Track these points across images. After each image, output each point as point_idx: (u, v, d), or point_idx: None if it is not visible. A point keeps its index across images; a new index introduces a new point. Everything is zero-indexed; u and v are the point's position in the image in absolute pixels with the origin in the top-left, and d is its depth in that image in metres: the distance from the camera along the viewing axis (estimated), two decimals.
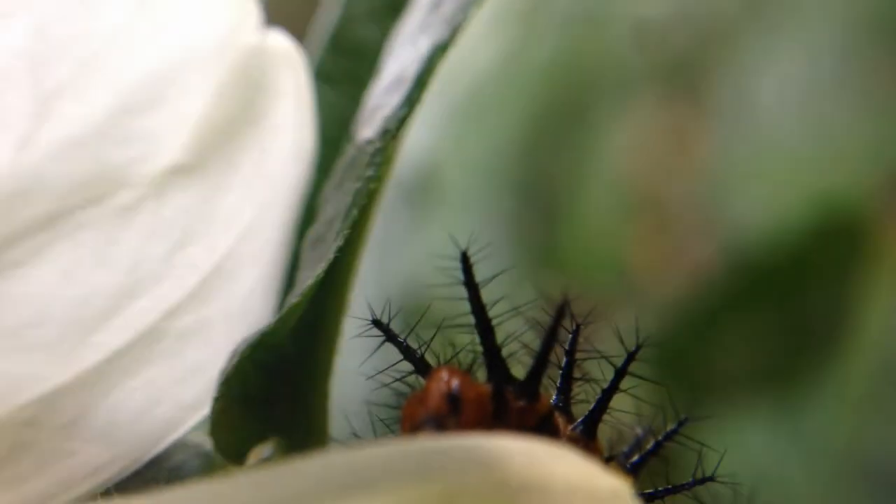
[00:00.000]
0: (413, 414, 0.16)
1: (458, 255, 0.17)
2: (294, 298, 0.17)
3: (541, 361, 0.16)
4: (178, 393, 0.17)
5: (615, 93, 0.48)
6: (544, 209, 0.47)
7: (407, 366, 0.17)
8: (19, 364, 0.16)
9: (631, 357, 0.17)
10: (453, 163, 0.46)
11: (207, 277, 0.17)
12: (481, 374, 0.17)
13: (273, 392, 0.18)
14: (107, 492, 0.16)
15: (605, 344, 0.17)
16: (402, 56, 0.19)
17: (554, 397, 0.17)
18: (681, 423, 0.17)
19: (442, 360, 0.17)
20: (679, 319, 0.42)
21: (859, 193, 0.43)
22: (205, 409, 0.17)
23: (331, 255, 0.18)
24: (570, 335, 0.17)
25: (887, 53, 0.45)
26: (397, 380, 0.17)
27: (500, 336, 0.17)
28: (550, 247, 0.46)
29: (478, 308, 0.17)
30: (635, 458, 0.17)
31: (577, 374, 0.17)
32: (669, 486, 0.17)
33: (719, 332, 0.42)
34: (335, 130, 0.20)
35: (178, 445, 0.17)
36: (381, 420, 0.17)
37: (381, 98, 0.19)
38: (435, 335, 0.17)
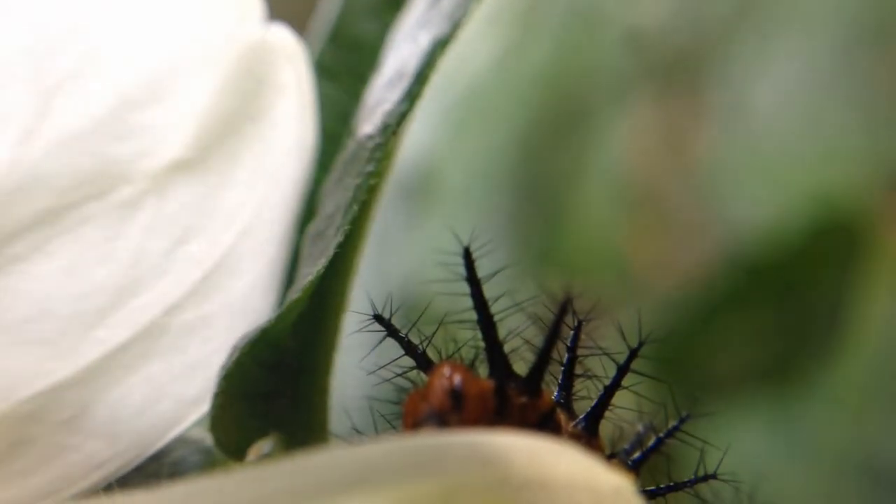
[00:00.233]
0: (415, 410, 0.16)
1: (458, 250, 0.17)
2: (294, 294, 0.17)
3: (543, 358, 0.16)
4: (179, 389, 0.17)
5: (614, 91, 0.48)
6: (543, 207, 0.47)
7: (408, 361, 0.17)
8: (21, 359, 0.16)
9: (633, 354, 0.17)
10: (453, 159, 0.46)
11: (209, 273, 0.17)
12: (483, 370, 0.16)
13: (273, 388, 0.18)
14: (108, 487, 0.16)
15: (606, 341, 0.17)
16: (402, 51, 0.19)
17: (556, 394, 0.17)
18: (682, 421, 0.17)
19: (444, 356, 0.17)
20: (678, 317, 0.42)
21: (857, 192, 0.43)
22: (205, 405, 0.17)
23: (331, 251, 0.17)
24: (573, 332, 0.17)
25: (884, 53, 0.45)
26: (398, 375, 0.17)
27: (502, 332, 0.17)
28: (549, 244, 0.46)
29: (480, 304, 0.17)
30: (637, 455, 0.17)
31: (578, 371, 0.17)
32: (671, 484, 0.17)
33: (717, 330, 0.42)
34: (335, 125, 0.20)
35: (179, 441, 0.17)
36: (382, 416, 0.17)
37: (382, 93, 0.19)
38: (436, 331, 0.17)
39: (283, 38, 0.18)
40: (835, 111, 0.45)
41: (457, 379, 0.16)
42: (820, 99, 0.45)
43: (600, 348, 0.17)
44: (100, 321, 0.16)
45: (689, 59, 0.47)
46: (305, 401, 0.18)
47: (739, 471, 0.17)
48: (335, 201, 0.18)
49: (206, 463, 0.18)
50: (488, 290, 0.17)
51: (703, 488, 0.17)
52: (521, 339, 0.17)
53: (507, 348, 0.17)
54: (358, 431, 0.17)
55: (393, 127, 0.18)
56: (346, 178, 0.18)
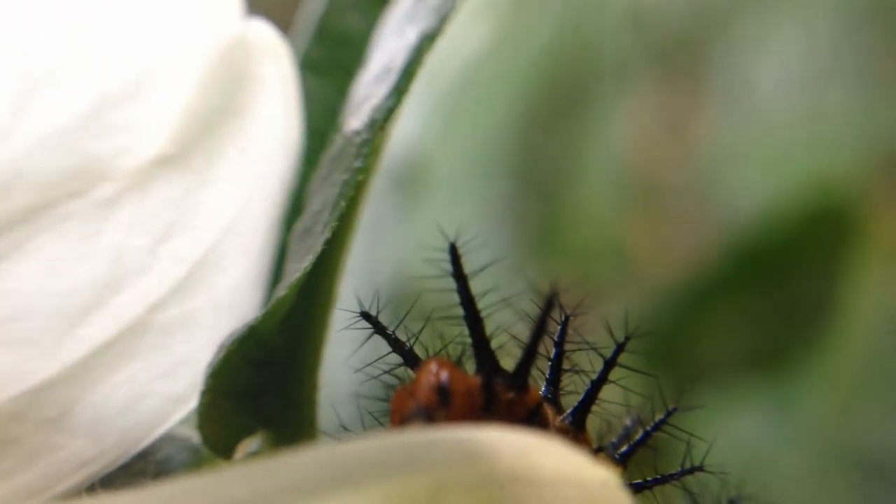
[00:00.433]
0: (402, 406, 0.16)
1: (447, 246, 0.17)
2: (282, 291, 0.17)
3: (530, 353, 0.16)
4: (165, 387, 0.17)
5: (610, 77, 0.48)
6: (538, 196, 0.47)
7: (395, 358, 0.17)
8: (3, 358, 0.16)
9: (620, 348, 0.17)
10: (442, 152, 0.45)
11: (192, 270, 0.17)
12: (470, 366, 0.16)
13: (261, 385, 0.18)
14: (91, 487, 0.16)
15: (594, 335, 0.17)
16: (389, 46, 0.19)
17: (543, 389, 0.17)
18: (669, 413, 0.17)
19: (431, 352, 0.17)
20: (673, 305, 0.42)
21: (853, 178, 0.43)
22: (192, 403, 0.17)
23: (318, 248, 0.17)
24: (560, 326, 0.17)
25: (883, 39, 0.45)
26: (386, 372, 0.17)
27: (489, 327, 0.17)
28: (545, 233, 0.46)
29: (466, 300, 0.16)
30: (624, 448, 0.17)
31: (566, 366, 0.17)
32: (658, 476, 0.17)
33: (711, 317, 0.42)
34: (322, 121, 0.20)
35: (166, 439, 0.17)
36: (370, 412, 0.17)
37: (369, 88, 0.19)
38: (424, 327, 0.17)
39: (264, 34, 0.17)
40: (833, 98, 0.45)
41: (444, 375, 0.16)
42: (818, 86, 0.45)
43: (587, 343, 0.17)
44: (82, 319, 0.16)
45: (688, 42, 0.47)
46: (293, 398, 0.18)
47: (730, 461, 0.17)
48: (322, 197, 0.18)
49: (194, 461, 0.18)
50: (477, 285, 0.17)
51: (689, 480, 0.17)
52: (508, 335, 0.17)
53: (494, 344, 0.17)
54: (346, 428, 0.17)
55: (380, 122, 0.18)
56: (333, 174, 0.18)
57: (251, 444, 0.18)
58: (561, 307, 0.16)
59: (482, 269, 0.17)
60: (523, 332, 0.16)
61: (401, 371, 0.17)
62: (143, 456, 0.17)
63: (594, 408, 0.17)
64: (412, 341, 0.17)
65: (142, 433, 0.17)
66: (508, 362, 0.17)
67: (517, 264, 0.42)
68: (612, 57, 0.47)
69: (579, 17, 0.48)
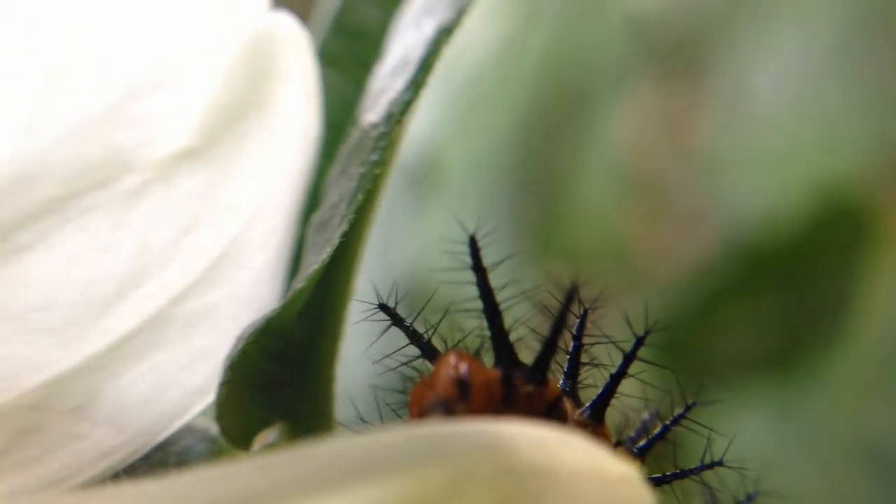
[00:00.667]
0: (421, 399, 0.16)
1: (463, 239, 0.17)
2: (299, 283, 0.17)
3: (549, 346, 0.16)
4: (185, 378, 0.17)
5: (615, 78, 0.48)
6: (544, 194, 0.47)
7: (413, 350, 0.17)
8: (27, 348, 0.16)
9: (640, 342, 0.17)
10: (456, 148, 0.46)
11: (214, 262, 0.17)
12: (489, 359, 0.16)
13: (279, 377, 0.18)
14: (116, 475, 0.16)
15: (611, 329, 0.17)
16: (406, 39, 0.19)
17: (562, 382, 0.17)
18: (688, 408, 0.17)
19: (449, 345, 0.17)
20: (680, 304, 0.42)
21: (859, 178, 0.43)
22: (211, 395, 0.17)
23: (336, 240, 0.17)
24: (578, 320, 0.17)
25: (885, 38, 0.45)
26: (403, 364, 0.17)
27: (507, 321, 0.17)
28: (550, 232, 0.46)
29: (486, 292, 0.16)
30: (643, 442, 0.17)
31: (584, 359, 0.17)
32: (677, 471, 0.17)
33: (720, 318, 0.42)
34: (339, 114, 0.20)
35: (185, 430, 0.17)
36: (388, 405, 0.17)
37: (386, 82, 0.19)
38: (442, 319, 0.17)
39: (288, 27, 0.17)
40: (836, 96, 0.45)
41: (463, 368, 0.16)
42: (821, 84, 0.45)
43: (606, 336, 0.17)
44: (105, 310, 0.16)
45: (689, 44, 0.47)
46: (311, 390, 0.18)
47: (743, 458, 0.17)
48: (339, 190, 0.18)
49: (212, 452, 0.18)
50: (493, 279, 0.17)
51: (709, 475, 0.17)
52: (526, 328, 0.17)
53: (512, 337, 0.17)
54: (363, 420, 0.17)
55: (397, 115, 0.18)
56: (350, 168, 0.18)
57: (269, 435, 0.18)
58: (580, 301, 0.16)
59: (500, 263, 0.17)
60: (541, 325, 0.16)
61: (419, 363, 0.17)
62: (163, 447, 0.17)
63: (613, 402, 0.17)
64: (430, 333, 0.17)
65: (163, 424, 0.17)
66: (527, 356, 0.16)
67: (526, 261, 0.42)
68: (614, 59, 0.48)
69: (581, 22, 0.48)
